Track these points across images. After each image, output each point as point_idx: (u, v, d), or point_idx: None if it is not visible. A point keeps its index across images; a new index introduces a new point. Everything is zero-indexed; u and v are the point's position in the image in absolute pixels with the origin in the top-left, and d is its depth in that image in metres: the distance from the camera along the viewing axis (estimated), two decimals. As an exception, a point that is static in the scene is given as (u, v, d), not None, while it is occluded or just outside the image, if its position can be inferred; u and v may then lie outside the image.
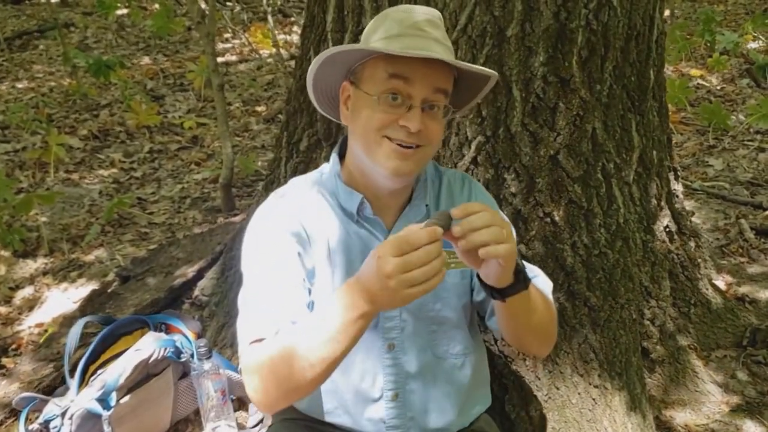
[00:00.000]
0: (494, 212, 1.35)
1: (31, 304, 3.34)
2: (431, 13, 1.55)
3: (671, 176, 2.66)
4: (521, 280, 1.47)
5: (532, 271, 1.73)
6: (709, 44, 6.60)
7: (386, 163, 1.48)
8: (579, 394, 2.13)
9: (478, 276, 1.48)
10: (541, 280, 1.71)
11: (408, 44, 1.45)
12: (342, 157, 1.66)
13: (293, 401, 1.54)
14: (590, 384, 2.14)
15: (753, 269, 3.14)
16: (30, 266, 3.68)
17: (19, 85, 6.72)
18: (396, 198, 1.63)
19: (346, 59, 1.52)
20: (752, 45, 6.73)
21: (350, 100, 1.55)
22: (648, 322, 2.40)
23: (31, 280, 3.56)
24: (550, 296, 1.70)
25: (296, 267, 1.53)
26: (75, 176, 4.89)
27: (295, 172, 2.58)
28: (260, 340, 1.43)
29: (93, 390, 2.09)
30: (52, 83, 6.77)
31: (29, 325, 3.17)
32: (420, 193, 1.65)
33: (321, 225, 1.60)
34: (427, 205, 1.65)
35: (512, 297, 1.47)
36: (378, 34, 1.51)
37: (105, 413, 2.06)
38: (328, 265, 1.58)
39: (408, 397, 1.63)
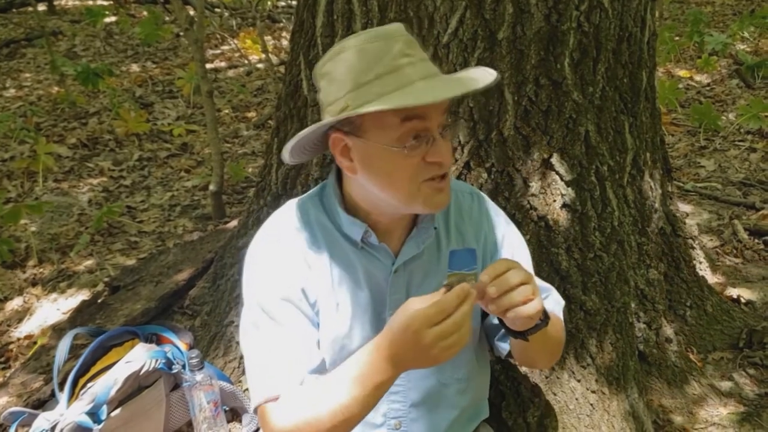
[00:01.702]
0: (520, 268, 1.34)
1: (20, 316, 3.30)
2: (399, 30, 1.41)
3: (665, 178, 2.64)
4: (542, 320, 1.44)
5: (545, 290, 1.70)
6: (697, 45, 6.63)
7: (430, 204, 1.43)
8: (576, 399, 2.11)
9: (500, 320, 1.47)
10: (553, 300, 1.69)
11: (402, 80, 1.34)
12: (339, 180, 1.57)
13: None
14: (588, 389, 2.12)
15: (747, 270, 3.13)
16: (19, 277, 3.64)
17: (7, 94, 6.68)
18: (400, 222, 1.55)
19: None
20: (740, 46, 6.75)
21: (351, 152, 1.41)
22: (644, 326, 2.38)
23: (20, 290, 3.52)
24: (561, 315, 1.68)
25: (301, 315, 1.49)
26: (64, 185, 4.85)
27: (286, 178, 2.56)
28: (276, 398, 1.40)
29: (83, 403, 2.05)
30: (40, 92, 6.73)
31: (18, 336, 3.13)
32: (428, 216, 1.56)
33: (323, 255, 1.53)
34: (435, 228, 1.58)
35: (533, 335, 1.45)
36: (367, 75, 1.34)
37: (96, 427, 2.02)
38: (332, 295, 1.52)
39: (410, 426, 1.61)
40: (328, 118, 1.38)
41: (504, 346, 1.67)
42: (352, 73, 1.36)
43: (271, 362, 1.44)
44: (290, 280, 1.49)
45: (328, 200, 1.57)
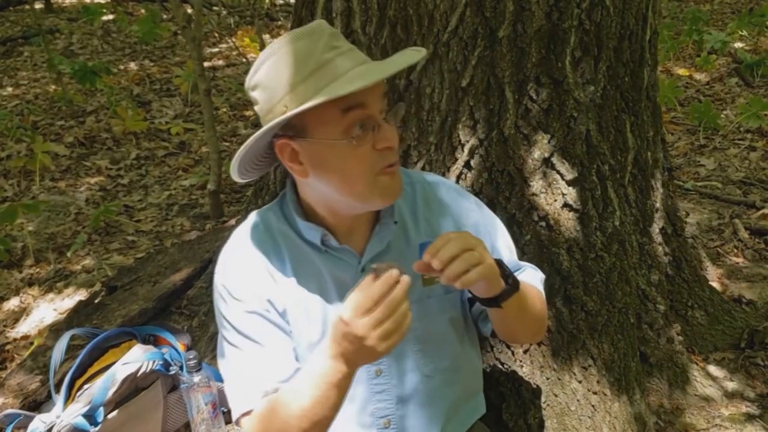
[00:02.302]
0: (460, 234, 1.34)
1: (17, 316, 3.28)
2: (322, 25, 1.39)
3: (666, 177, 2.63)
4: (510, 284, 1.44)
5: (519, 265, 1.72)
6: (696, 43, 6.61)
7: (387, 195, 1.42)
8: (578, 400, 2.09)
9: (469, 291, 1.45)
10: (529, 273, 1.69)
11: (333, 72, 1.32)
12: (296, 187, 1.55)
13: None
14: (589, 390, 2.10)
15: (748, 270, 3.12)
16: (15, 277, 3.62)
17: (4, 93, 6.66)
18: (361, 220, 1.53)
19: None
20: (739, 44, 6.74)
21: (299, 155, 1.37)
22: (646, 326, 2.37)
23: (16, 290, 3.50)
24: (540, 286, 1.68)
25: (270, 325, 1.48)
26: (61, 184, 4.83)
27: (285, 177, 2.53)
28: (249, 412, 1.42)
29: (80, 405, 2.03)
30: (37, 90, 6.70)
31: (15, 337, 3.11)
32: (387, 210, 1.54)
33: (287, 263, 1.52)
34: (396, 222, 1.55)
35: (506, 301, 1.45)
36: (299, 75, 1.32)
37: (92, 429, 2.00)
38: (301, 302, 1.51)
39: (401, 423, 1.59)
40: (265, 126, 1.34)
41: (487, 326, 1.66)
42: (284, 76, 1.33)
43: (241, 377, 1.46)
44: (255, 293, 1.48)
45: (287, 208, 1.55)
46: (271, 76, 1.35)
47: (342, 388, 1.30)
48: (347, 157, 1.34)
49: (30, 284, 3.55)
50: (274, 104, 1.34)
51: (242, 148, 1.36)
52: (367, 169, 1.36)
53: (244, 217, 1.63)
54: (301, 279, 1.51)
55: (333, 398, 1.30)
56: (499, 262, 1.45)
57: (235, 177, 1.48)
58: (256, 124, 5.81)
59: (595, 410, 2.09)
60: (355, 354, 1.25)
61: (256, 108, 1.43)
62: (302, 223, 1.50)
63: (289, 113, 1.29)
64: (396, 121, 1.42)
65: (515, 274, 1.52)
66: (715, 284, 2.89)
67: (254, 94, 1.41)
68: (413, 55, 1.37)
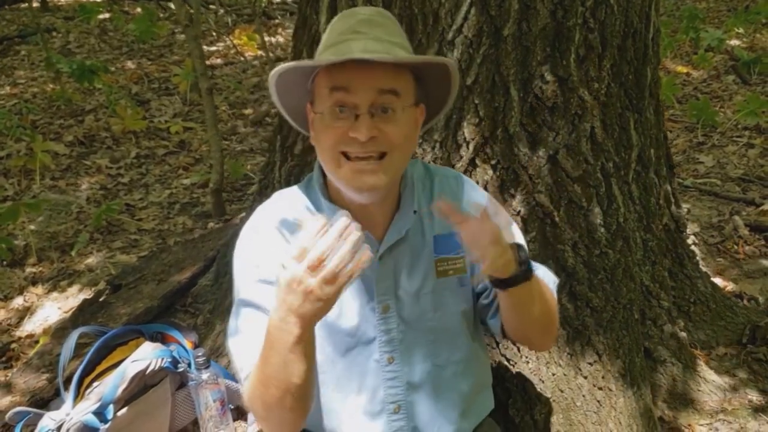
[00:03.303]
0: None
1: (21, 315, 3.28)
2: (373, 11, 1.49)
3: (668, 174, 2.64)
4: (524, 272, 1.44)
5: (534, 265, 1.69)
6: (693, 41, 6.63)
7: (350, 182, 1.43)
8: (583, 396, 2.11)
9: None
10: (543, 272, 1.69)
11: (336, 52, 1.39)
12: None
13: (296, 427, 1.47)
14: (595, 386, 2.12)
15: (749, 266, 3.14)
16: (19, 276, 3.62)
17: (2, 92, 6.63)
18: (382, 208, 1.55)
19: (293, 80, 1.45)
20: (736, 42, 6.76)
21: (312, 122, 1.48)
22: (649, 322, 2.39)
23: (20, 289, 3.50)
24: (554, 288, 1.68)
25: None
26: (61, 183, 4.82)
27: (290, 175, 2.55)
28: (246, 377, 1.44)
29: (89, 403, 2.04)
30: (35, 89, 6.68)
31: (20, 335, 3.11)
32: (407, 200, 1.57)
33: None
34: (415, 211, 1.58)
35: (515, 288, 1.45)
36: (320, 48, 1.46)
37: (102, 426, 2.01)
38: None
39: (410, 409, 1.60)
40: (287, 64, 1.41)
41: (497, 323, 1.65)
42: (321, 45, 1.47)
43: (246, 341, 1.47)
44: (273, 264, 1.46)
45: (312, 190, 1.59)
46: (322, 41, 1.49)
47: (299, 351, 1.27)
48: (324, 132, 1.41)
49: (34, 283, 3.55)
50: None
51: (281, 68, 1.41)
52: (333, 145, 1.40)
53: (248, 215, 1.64)
54: None
55: (293, 363, 1.28)
56: (517, 246, 1.45)
57: (284, 113, 1.56)
58: (256, 122, 5.83)
59: (601, 405, 2.10)
60: (302, 306, 1.21)
61: None
62: (326, 203, 1.54)
63: (286, 66, 1.38)
64: (391, 121, 1.40)
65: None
66: (716, 280, 2.91)
67: None
68: (416, 57, 1.45)
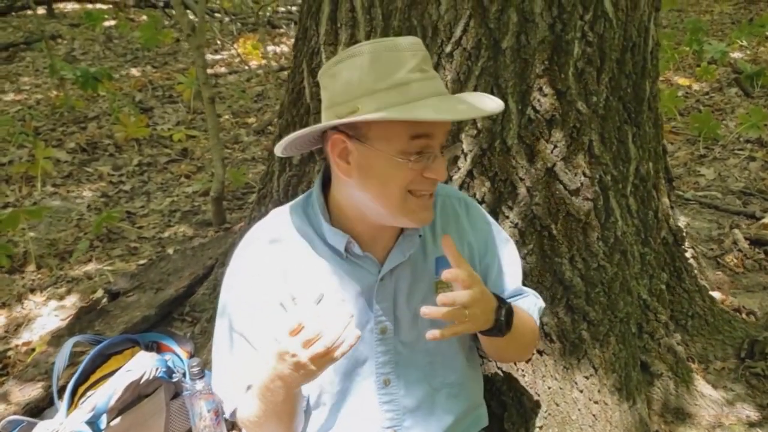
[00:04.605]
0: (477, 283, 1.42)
1: (19, 322, 3.28)
2: (417, 46, 1.42)
3: (667, 187, 2.64)
4: (498, 327, 1.50)
5: (521, 290, 1.76)
6: (696, 54, 6.64)
7: (415, 217, 1.46)
8: (579, 410, 2.10)
9: None
10: (528, 301, 1.74)
11: (410, 93, 1.36)
12: (324, 187, 1.58)
13: None
14: (590, 400, 2.11)
15: (748, 280, 3.13)
16: (17, 283, 3.62)
17: (6, 98, 6.67)
18: (385, 230, 1.56)
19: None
20: (738, 54, 6.76)
21: (350, 155, 1.42)
22: (647, 336, 2.37)
23: (18, 297, 3.50)
24: (536, 315, 1.73)
25: (269, 331, 1.51)
26: (62, 190, 4.83)
27: (288, 186, 2.55)
28: (235, 410, 1.57)
29: (83, 412, 2.03)
30: (39, 96, 6.72)
31: (16, 343, 3.11)
32: None
33: (304, 265, 1.54)
34: (420, 236, 1.59)
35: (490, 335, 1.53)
36: (381, 83, 1.36)
37: (95, 436, 2.01)
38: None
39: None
40: (335, 120, 1.38)
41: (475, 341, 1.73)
42: (365, 79, 1.37)
43: (230, 372, 1.57)
44: (264, 295, 1.51)
45: (313, 209, 1.57)
46: (354, 74, 1.38)
47: (287, 404, 1.40)
48: (396, 173, 1.39)
49: (32, 290, 3.55)
50: (347, 100, 1.38)
51: (299, 132, 1.43)
52: (404, 185, 1.41)
53: (248, 223, 1.66)
54: (318, 283, 1.51)
55: (281, 413, 1.43)
56: (499, 302, 1.51)
57: (278, 153, 1.52)
58: (259, 131, 5.84)
59: (596, 419, 2.09)
60: (290, 375, 1.30)
61: (323, 92, 1.48)
62: (328, 227, 1.53)
63: (363, 116, 1.32)
64: (449, 157, 1.48)
65: (515, 299, 1.63)
66: (715, 294, 2.89)
67: (327, 81, 1.45)
68: (495, 107, 1.45)
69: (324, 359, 1.26)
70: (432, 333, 1.36)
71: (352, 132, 1.40)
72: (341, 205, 1.53)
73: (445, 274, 1.38)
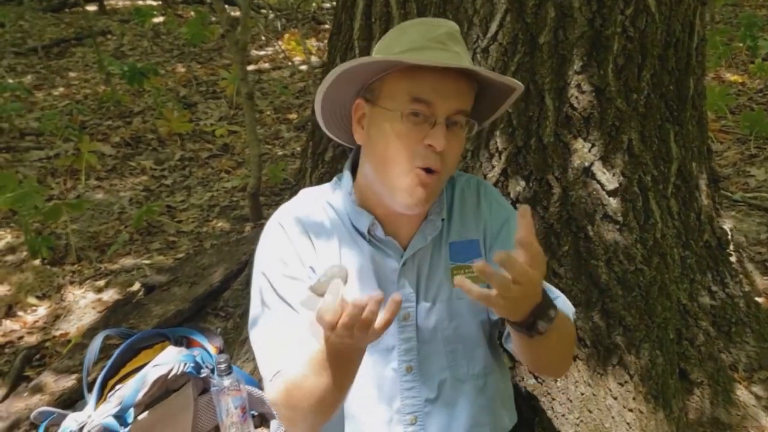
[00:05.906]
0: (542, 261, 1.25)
1: (57, 314, 3.33)
2: (449, 25, 1.48)
3: (711, 189, 2.54)
4: (531, 324, 1.33)
5: (551, 291, 1.59)
6: (750, 50, 6.43)
7: (411, 194, 1.42)
8: (613, 417, 2.03)
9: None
10: (563, 301, 1.60)
11: (431, 57, 1.38)
12: (354, 171, 1.59)
13: (317, 428, 1.48)
14: (624, 407, 2.04)
15: (798, 285, 3.00)
16: (57, 275, 3.67)
17: (55, 93, 6.79)
18: (407, 215, 1.53)
19: (363, 73, 1.44)
20: (796, 51, 6.54)
21: (365, 119, 1.48)
22: (686, 342, 2.29)
23: (58, 288, 3.55)
24: (572, 317, 1.60)
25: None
26: (106, 183, 4.90)
27: (321, 182, 2.51)
28: (277, 373, 1.42)
29: (110, 406, 2.04)
30: (87, 90, 6.83)
31: (54, 335, 3.15)
32: (436, 207, 1.56)
33: (331, 243, 1.54)
34: (443, 220, 1.57)
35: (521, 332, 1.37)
36: (399, 47, 1.42)
37: (122, 430, 2.01)
38: None
39: (427, 420, 1.57)
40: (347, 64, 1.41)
41: (511, 348, 1.61)
42: (391, 44, 1.45)
43: (272, 338, 1.47)
44: (299, 259, 1.51)
45: (342, 191, 1.59)
46: (385, 43, 1.49)
47: (335, 369, 1.29)
48: (393, 131, 1.40)
49: (71, 282, 3.60)
50: None
51: (329, 75, 1.43)
52: (405, 155, 1.40)
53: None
54: (343, 259, 1.52)
55: (331, 374, 1.29)
56: (545, 295, 1.34)
57: (318, 109, 1.54)
58: (299, 127, 5.84)
59: (631, 428, 2.03)
60: (348, 347, 1.25)
61: None
62: (354, 207, 1.54)
63: (366, 59, 1.38)
64: (465, 137, 1.46)
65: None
66: (761, 300, 2.79)
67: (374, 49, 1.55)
68: (505, 79, 1.45)
69: (364, 341, 1.22)
70: (461, 279, 1.21)
71: (368, 96, 1.46)
72: (362, 187, 1.54)
73: (521, 238, 1.21)
